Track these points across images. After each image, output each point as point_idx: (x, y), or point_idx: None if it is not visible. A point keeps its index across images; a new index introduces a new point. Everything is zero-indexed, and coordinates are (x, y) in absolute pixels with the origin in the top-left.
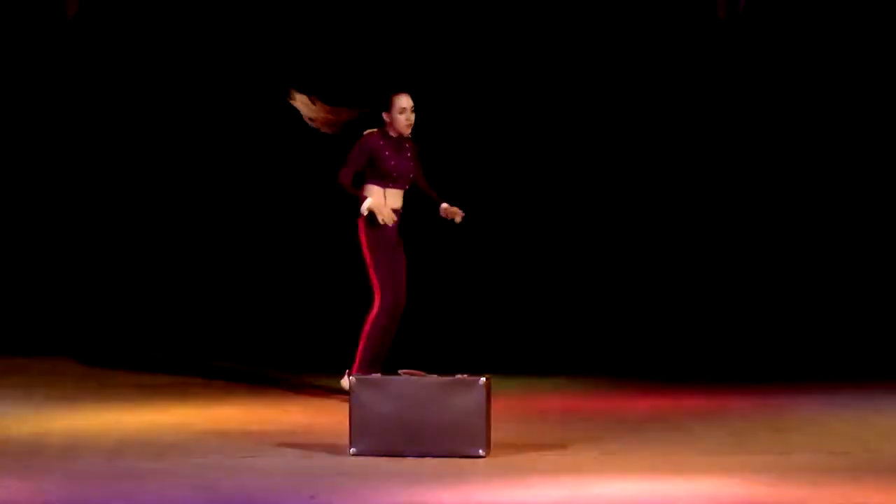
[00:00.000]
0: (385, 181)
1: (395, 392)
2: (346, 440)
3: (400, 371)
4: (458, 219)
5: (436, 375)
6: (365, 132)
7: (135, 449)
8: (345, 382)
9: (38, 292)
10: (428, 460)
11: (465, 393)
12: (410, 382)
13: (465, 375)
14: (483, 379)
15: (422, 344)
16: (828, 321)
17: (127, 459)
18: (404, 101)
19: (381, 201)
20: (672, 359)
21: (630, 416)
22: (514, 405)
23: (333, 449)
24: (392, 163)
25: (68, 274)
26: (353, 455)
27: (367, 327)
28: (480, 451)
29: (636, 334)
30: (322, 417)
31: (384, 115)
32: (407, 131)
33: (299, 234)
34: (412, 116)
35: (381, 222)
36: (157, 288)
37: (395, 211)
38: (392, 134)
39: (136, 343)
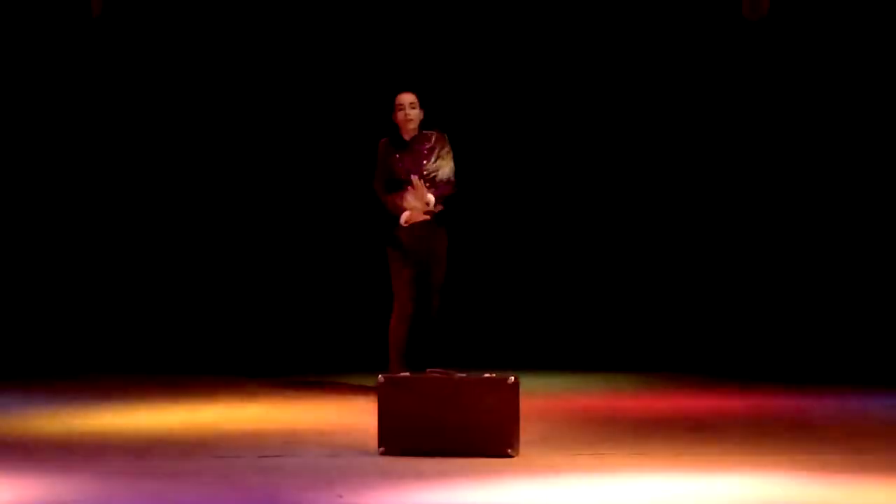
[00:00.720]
0: (403, 184)
1: (424, 391)
2: (375, 440)
3: (428, 370)
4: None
5: (464, 374)
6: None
7: (163, 449)
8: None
9: (67, 297)
10: (456, 460)
11: (493, 392)
12: (439, 382)
13: (494, 374)
14: (512, 378)
15: (453, 340)
16: (858, 321)
17: (155, 459)
18: (400, 99)
19: (410, 208)
20: (700, 358)
21: (658, 415)
22: (540, 405)
23: (361, 448)
24: (400, 165)
25: (98, 277)
26: (382, 454)
27: (389, 331)
28: (509, 451)
29: (664, 332)
30: (350, 417)
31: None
32: (408, 127)
33: (329, 236)
34: (412, 112)
35: (403, 223)
36: (186, 290)
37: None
38: (403, 136)
39: (163, 344)
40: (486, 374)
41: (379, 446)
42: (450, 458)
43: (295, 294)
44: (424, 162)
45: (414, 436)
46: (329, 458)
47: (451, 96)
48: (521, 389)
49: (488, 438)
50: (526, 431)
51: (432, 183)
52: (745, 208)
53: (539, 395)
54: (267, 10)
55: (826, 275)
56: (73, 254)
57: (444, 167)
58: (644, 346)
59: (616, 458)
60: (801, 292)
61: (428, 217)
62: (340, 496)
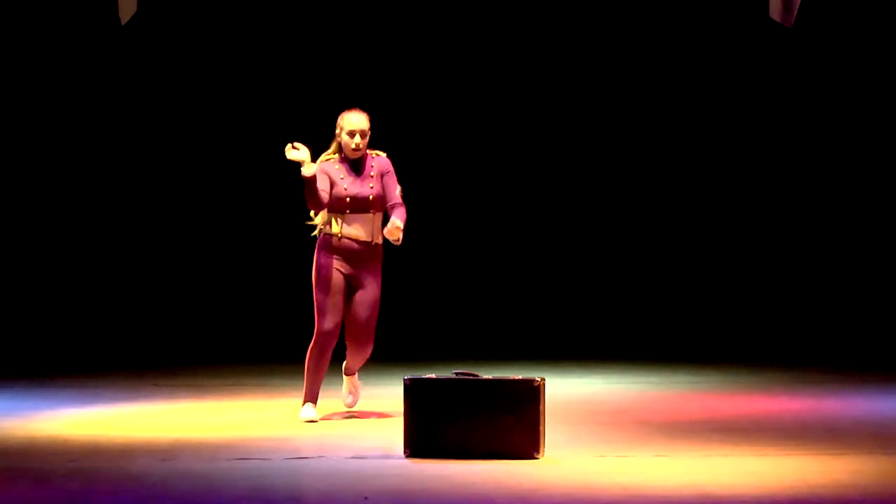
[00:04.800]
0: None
1: (450, 394)
2: (401, 442)
3: (454, 372)
4: (394, 238)
5: (490, 377)
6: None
7: (189, 450)
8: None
9: (95, 296)
10: (481, 463)
11: (519, 394)
12: (465, 384)
13: (520, 377)
14: (538, 380)
15: (476, 335)
16: (885, 321)
17: (181, 460)
18: (350, 123)
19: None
20: (724, 359)
21: (683, 417)
22: (565, 406)
23: (387, 451)
24: (344, 189)
25: (124, 277)
26: (408, 457)
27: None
28: (535, 454)
29: (688, 333)
30: (376, 419)
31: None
32: (354, 156)
33: None
34: (362, 142)
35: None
36: (210, 290)
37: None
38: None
39: (189, 345)
40: (512, 377)
41: (405, 448)
42: (475, 461)
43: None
44: (371, 186)
45: (440, 438)
46: (354, 461)
47: (461, 94)
48: (547, 388)
49: (514, 441)
50: (552, 432)
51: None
52: (770, 207)
53: (562, 396)
54: (294, 17)
55: (848, 274)
56: (97, 254)
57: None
58: (669, 348)
59: (641, 461)
60: (823, 291)
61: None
62: (366, 499)
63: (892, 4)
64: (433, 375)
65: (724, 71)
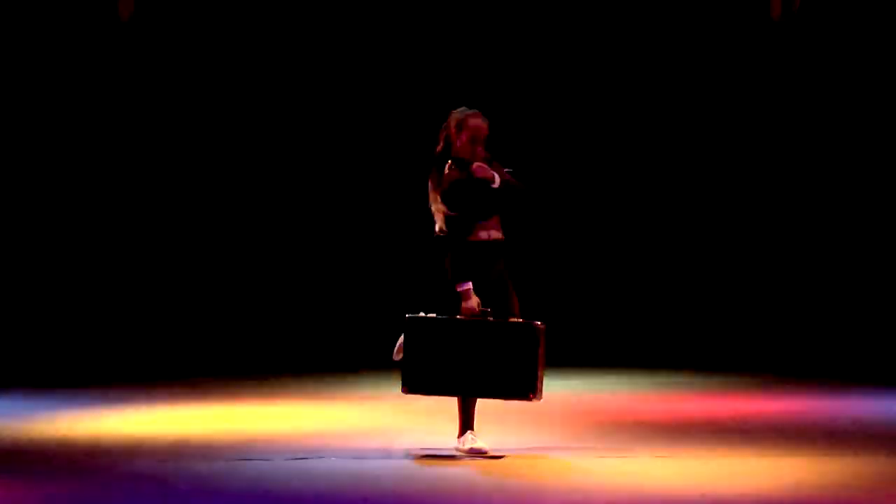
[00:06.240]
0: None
1: (450, 333)
2: (399, 444)
3: (459, 316)
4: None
5: (491, 319)
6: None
7: (189, 451)
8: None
9: (94, 301)
10: (479, 464)
11: (519, 337)
12: (465, 324)
13: (521, 320)
14: (539, 323)
15: None
16: (885, 321)
17: (181, 461)
18: (480, 125)
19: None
20: (724, 360)
21: (683, 417)
22: (565, 406)
23: (386, 451)
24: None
25: (125, 281)
26: (405, 393)
27: None
28: (531, 395)
29: (688, 335)
30: (375, 420)
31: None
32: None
33: (356, 239)
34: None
35: None
36: (210, 293)
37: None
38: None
39: (188, 346)
40: (513, 320)
41: (402, 386)
42: (473, 459)
43: (321, 297)
44: None
45: (438, 377)
46: (354, 462)
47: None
48: (545, 390)
49: (511, 382)
50: (548, 434)
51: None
52: (769, 212)
53: (561, 398)
54: (297, 14)
55: (848, 275)
56: (97, 258)
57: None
58: (668, 349)
59: (640, 461)
60: (823, 292)
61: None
62: (365, 499)
63: (893, 4)
64: (433, 315)
65: (722, 75)
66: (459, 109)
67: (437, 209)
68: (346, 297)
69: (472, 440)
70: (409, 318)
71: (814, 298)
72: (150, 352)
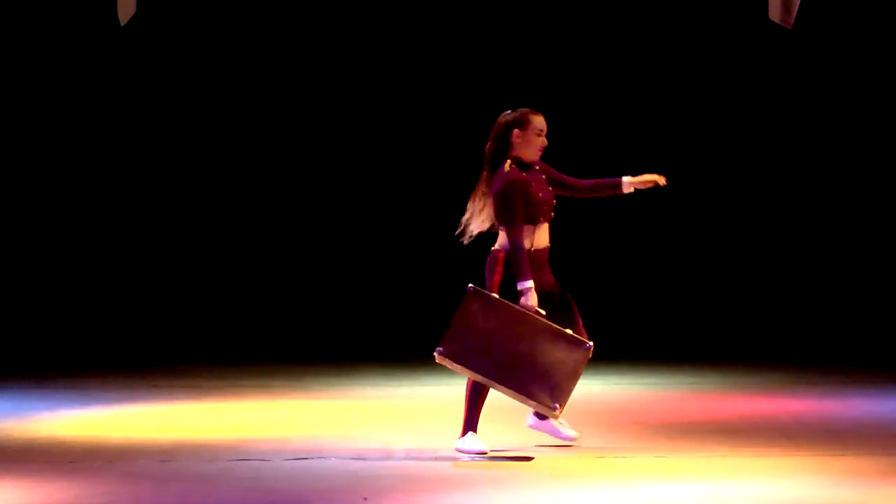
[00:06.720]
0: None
1: (506, 318)
2: (398, 444)
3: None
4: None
5: (548, 322)
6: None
7: (188, 451)
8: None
9: (95, 297)
10: (478, 464)
11: (568, 348)
12: (523, 316)
13: (572, 333)
14: (590, 344)
15: None
16: (885, 321)
17: (181, 461)
18: (541, 124)
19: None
20: (724, 359)
21: (683, 417)
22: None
23: (386, 451)
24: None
25: (123, 277)
26: (438, 354)
27: None
28: (555, 406)
29: (688, 333)
30: (375, 420)
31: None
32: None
33: (356, 238)
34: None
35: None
36: (209, 290)
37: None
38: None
39: (189, 346)
40: (568, 331)
41: (438, 346)
42: (472, 462)
43: (325, 295)
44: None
45: (475, 352)
46: (354, 461)
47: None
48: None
49: (542, 387)
50: (547, 436)
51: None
52: (769, 208)
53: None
54: (298, 16)
55: (848, 274)
56: (96, 254)
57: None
58: (668, 349)
59: (640, 462)
60: (823, 290)
61: None
62: (365, 499)
63: (893, 4)
64: (496, 295)
65: (723, 72)
66: (515, 110)
67: (483, 207)
68: (346, 297)
69: (472, 441)
70: (472, 288)
71: (813, 298)
72: (149, 351)
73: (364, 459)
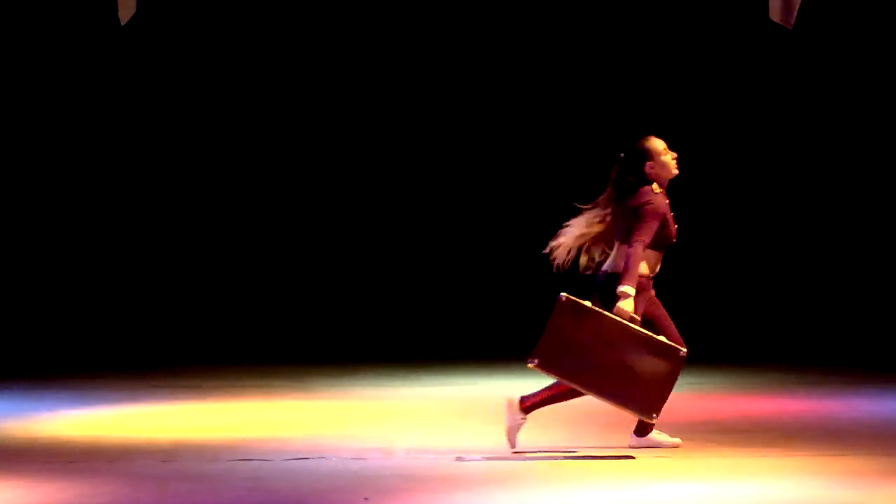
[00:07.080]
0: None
1: (597, 326)
2: (399, 443)
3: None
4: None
5: (641, 330)
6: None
7: (189, 451)
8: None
9: (95, 298)
10: (483, 463)
11: (661, 356)
12: (615, 324)
13: (666, 341)
14: (684, 350)
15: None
16: (885, 321)
17: (181, 461)
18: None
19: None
20: (724, 359)
21: (683, 417)
22: (565, 407)
23: (387, 451)
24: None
25: (124, 278)
26: (532, 367)
27: None
28: (653, 415)
29: (688, 333)
30: (375, 420)
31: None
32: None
33: (362, 239)
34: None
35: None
36: (210, 291)
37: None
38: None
39: (189, 346)
40: (661, 338)
41: (530, 359)
42: (476, 462)
43: (328, 298)
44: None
45: (570, 361)
46: (355, 461)
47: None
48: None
49: (638, 395)
50: (549, 436)
51: None
52: (770, 207)
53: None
54: (300, 17)
55: (848, 275)
56: (97, 255)
57: None
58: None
59: (642, 462)
60: (823, 291)
61: None
62: (366, 499)
63: (893, 4)
64: (589, 304)
65: (723, 72)
66: (645, 139)
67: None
68: (346, 297)
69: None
70: (565, 297)
71: (814, 299)
72: (149, 351)
73: (365, 459)
